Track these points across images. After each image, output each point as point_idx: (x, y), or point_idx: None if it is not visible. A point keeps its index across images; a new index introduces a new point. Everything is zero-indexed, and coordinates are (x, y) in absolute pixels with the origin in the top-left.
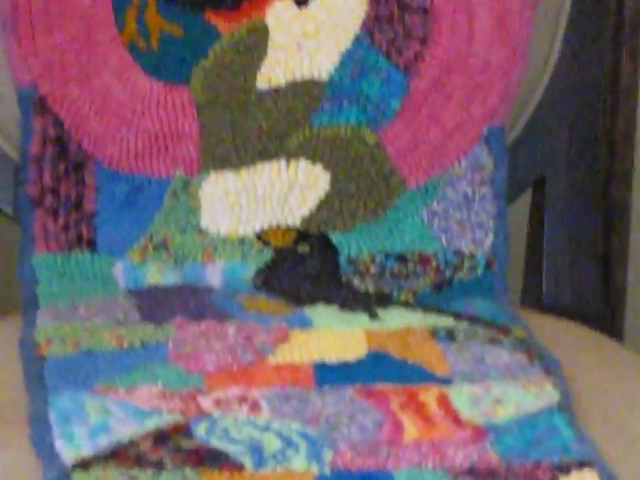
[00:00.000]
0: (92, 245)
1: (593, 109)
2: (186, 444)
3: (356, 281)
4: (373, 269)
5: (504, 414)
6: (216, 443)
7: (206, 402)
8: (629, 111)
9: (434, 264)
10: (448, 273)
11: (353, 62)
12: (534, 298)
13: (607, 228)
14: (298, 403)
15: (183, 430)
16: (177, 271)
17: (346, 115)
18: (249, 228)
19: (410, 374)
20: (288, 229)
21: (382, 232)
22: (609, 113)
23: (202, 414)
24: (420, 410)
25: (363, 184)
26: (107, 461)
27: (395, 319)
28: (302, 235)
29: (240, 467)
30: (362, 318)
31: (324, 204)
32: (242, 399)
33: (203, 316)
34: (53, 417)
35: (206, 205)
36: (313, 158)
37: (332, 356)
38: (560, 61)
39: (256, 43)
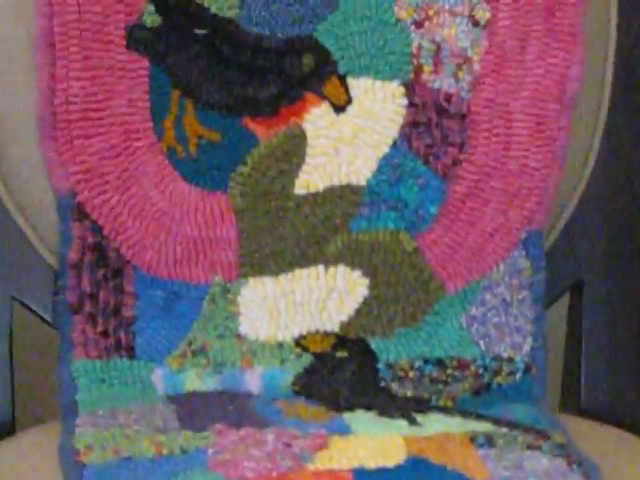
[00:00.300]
0: (131, 351)
1: (631, 212)
2: None
3: (395, 386)
4: (412, 374)
5: None
6: None
7: None
8: None
9: (473, 369)
10: (487, 378)
11: (391, 167)
12: (573, 402)
13: None
14: None
15: None
16: (216, 377)
17: (384, 220)
18: (288, 334)
19: None
20: (327, 334)
21: (421, 337)
22: None
23: None
24: None
25: (402, 289)
26: None
27: (434, 425)
28: (341, 340)
29: None
30: (401, 424)
31: (363, 309)
32: None
33: (242, 422)
34: None
35: (245, 311)
36: (352, 264)
37: (371, 462)
38: (597, 164)
39: (294, 149)
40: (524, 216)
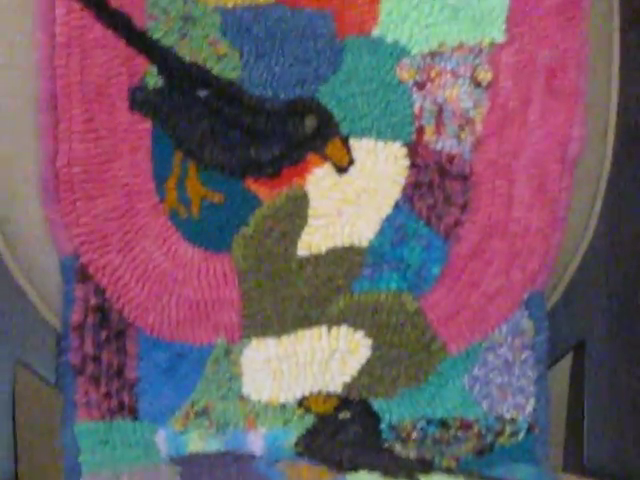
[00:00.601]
0: (134, 413)
1: (633, 273)
2: None
3: (398, 447)
4: (415, 435)
5: None
6: None
7: None
8: None
9: (476, 430)
10: (490, 438)
11: (393, 228)
12: (576, 461)
13: None
14: None
15: None
16: (219, 438)
17: (387, 281)
18: (290, 395)
19: None
20: (329, 395)
21: (423, 398)
22: None
23: None
24: None
25: (404, 350)
26: None
27: None
28: (343, 401)
29: None
30: None
31: (365, 370)
32: None
33: None
34: None
35: (248, 372)
36: (354, 325)
37: None
38: (599, 225)
39: (296, 210)
40: (526, 277)
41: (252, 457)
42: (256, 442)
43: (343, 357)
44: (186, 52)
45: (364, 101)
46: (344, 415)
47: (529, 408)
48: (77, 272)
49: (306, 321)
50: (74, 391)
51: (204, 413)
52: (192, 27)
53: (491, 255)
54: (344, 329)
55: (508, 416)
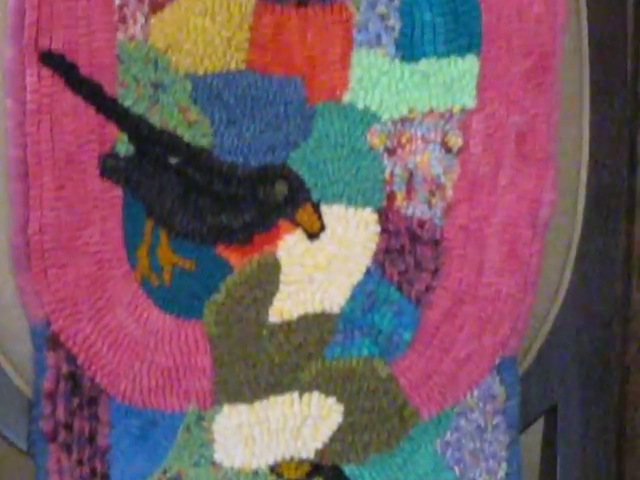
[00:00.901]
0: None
1: (604, 337)
2: None
3: None
4: None
5: None
6: None
7: None
8: None
9: None
10: None
11: (364, 294)
12: None
13: (620, 453)
14: None
15: None
16: None
17: (358, 347)
18: (263, 461)
19: None
20: (302, 462)
21: (395, 463)
22: (620, 339)
23: None
24: None
25: (376, 416)
26: None
27: None
28: (316, 467)
29: None
30: None
31: (337, 436)
32: None
33: None
34: None
35: (219, 438)
36: (326, 391)
37: None
38: (571, 289)
39: (268, 277)
40: (498, 342)
41: None
42: None
43: (315, 423)
44: (157, 119)
45: (335, 167)
46: None
47: (501, 473)
48: (48, 340)
49: (278, 387)
50: (46, 458)
51: None
52: (163, 94)
53: (462, 320)
54: (316, 395)
55: None
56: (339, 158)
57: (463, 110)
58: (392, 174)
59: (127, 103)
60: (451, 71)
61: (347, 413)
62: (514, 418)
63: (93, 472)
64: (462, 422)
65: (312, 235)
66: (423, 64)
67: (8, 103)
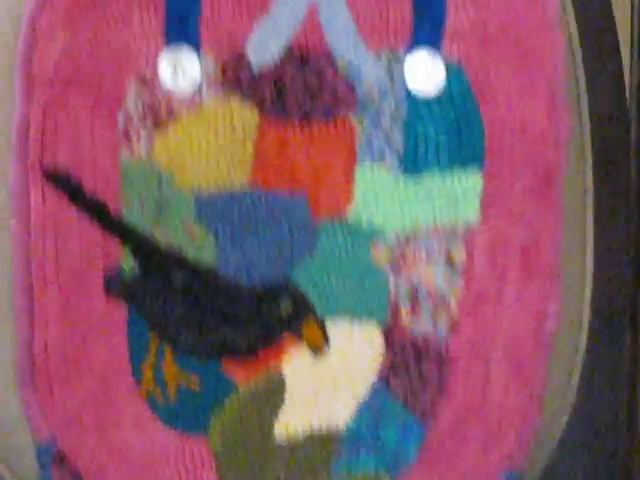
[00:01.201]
0: None
1: (612, 451)
2: None
3: None
4: None
5: None
6: None
7: None
8: None
9: None
10: None
11: (370, 411)
12: None
13: None
14: None
15: None
16: None
17: (364, 463)
18: None
19: None
20: None
21: None
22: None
23: None
24: None
25: None
26: None
27: None
28: None
29: None
30: None
31: None
32: None
33: None
34: None
35: None
36: None
37: None
38: (577, 402)
39: (273, 393)
40: (503, 458)
41: None
42: None
43: None
44: (161, 237)
45: (339, 283)
46: None
47: None
48: (54, 457)
49: None
50: None
51: None
52: (167, 212)
53: (468, 435)
54: None
55: None
56: (343, 274)
57: (467, 225)
58: (396, 289)
59: (132, 221)
60: (454, 186)
61: None
62: None
63: None
64: None
65: (316, 351)
66: (426, 179)
67: (12, 223)
